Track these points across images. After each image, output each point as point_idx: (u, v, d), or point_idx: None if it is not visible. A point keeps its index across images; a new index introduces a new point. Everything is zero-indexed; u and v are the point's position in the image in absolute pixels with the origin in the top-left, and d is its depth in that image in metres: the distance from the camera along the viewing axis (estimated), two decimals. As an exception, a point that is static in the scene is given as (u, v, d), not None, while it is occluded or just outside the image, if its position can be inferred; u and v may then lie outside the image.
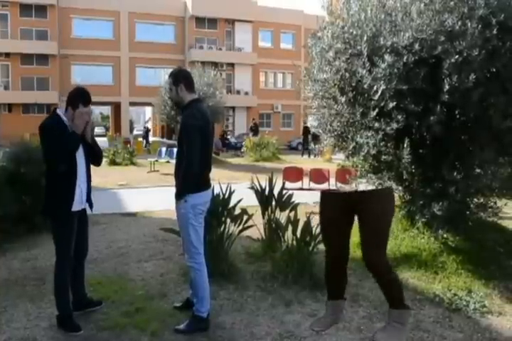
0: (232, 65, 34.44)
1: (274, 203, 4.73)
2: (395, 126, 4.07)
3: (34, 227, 5.51)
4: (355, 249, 4.81)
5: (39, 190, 5.56)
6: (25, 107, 30.70)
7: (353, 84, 4.37)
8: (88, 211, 3.35)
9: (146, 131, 30.96)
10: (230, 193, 4.23)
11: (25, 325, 3.17)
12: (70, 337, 3.01)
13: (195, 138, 3.00)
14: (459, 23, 3.77)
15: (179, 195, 3.05)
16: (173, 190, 3.16)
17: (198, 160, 2.99)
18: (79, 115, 3.04)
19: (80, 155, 3.15)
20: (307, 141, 24.61)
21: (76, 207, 3.12)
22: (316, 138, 22.71)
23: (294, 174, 8.35)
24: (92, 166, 3.30)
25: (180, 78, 3.19)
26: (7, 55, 29.97)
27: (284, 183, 5.34)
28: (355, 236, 5.08)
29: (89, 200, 3.28)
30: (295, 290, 3.79)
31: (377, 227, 2.72)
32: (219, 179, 4.78)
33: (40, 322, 3.23)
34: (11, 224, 5.25)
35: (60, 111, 3.13)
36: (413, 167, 4.45)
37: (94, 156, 3.31)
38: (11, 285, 3.95)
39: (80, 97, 3.10)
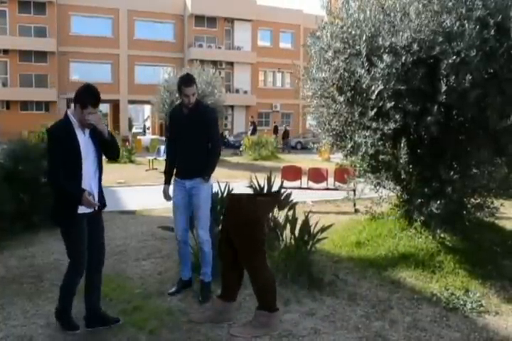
0: (231, 63, 34.38)
1: (272, 202, 4.73)
2: (392, 125, 4.08)
3: (31, 225, 5.51)
4: (353, 249, 4.84)
5: (37, 187, 5.61)
6: (24, 104, 30.56)
7: (352, 84, 4.38)
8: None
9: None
10: (229, 192, 4.24)
11: (23, 323, 3.17)
12: (67, 335, 3.01)
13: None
14: (457, 23, 3.78)
15: (208, 177, 3.58)
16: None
17: None
18: None
19: (89, 156, 2.99)
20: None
21: (84, 208, 2.96)
22: (287, 136, 25.17)
23: (292, 173, 8.33)
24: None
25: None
26: (5, 51, 29.81)
27: (282, 182, 5.34)
28: (353, 235, 5.13)
29: (101, 200, 3.13)
30: (293, 289, 3.80)
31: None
32: (218, 177, 4.78)
33: (38, 320, 3.22)
34: (8, 221, 5.24)
35: (71, 112, 2.95)
36: (411, 166, 4.46)
37: (112, 150, 3.23)
38: (8, 283, 3.95)
39: (89, 97, 2.88)
